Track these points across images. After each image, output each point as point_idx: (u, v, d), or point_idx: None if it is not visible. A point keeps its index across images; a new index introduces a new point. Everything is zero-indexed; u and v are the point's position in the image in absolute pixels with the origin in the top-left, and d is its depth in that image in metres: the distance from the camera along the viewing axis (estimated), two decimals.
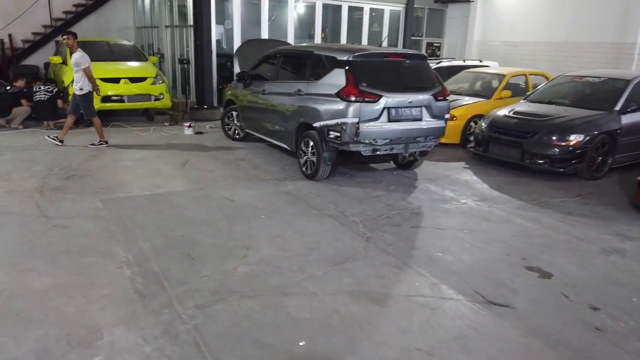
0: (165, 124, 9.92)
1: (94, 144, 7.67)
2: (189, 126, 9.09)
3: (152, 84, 9.73)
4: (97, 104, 9.08)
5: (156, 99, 9.79)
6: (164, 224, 4.62)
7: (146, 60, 10.60)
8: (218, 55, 11.53)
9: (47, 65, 12.06)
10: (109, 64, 9.96)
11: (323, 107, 5.95)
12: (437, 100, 6.11)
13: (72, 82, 7.59)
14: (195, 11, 10.76)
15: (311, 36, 13.56)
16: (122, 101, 9.40)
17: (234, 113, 8.51)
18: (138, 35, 14.66)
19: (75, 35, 7.50)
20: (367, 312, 3.27)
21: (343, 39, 13.70)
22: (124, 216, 4.75)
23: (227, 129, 8.71)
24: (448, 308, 3.35)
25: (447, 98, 6.33)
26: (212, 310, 3.18)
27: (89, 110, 7.58)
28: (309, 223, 4.77)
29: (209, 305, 3.24)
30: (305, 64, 6.58)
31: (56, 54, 10.93)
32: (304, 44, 11.01)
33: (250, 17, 12.59)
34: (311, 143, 6.16)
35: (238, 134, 8.57)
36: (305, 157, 6.33)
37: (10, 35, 12.65)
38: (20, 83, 9.37)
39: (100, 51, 10.47)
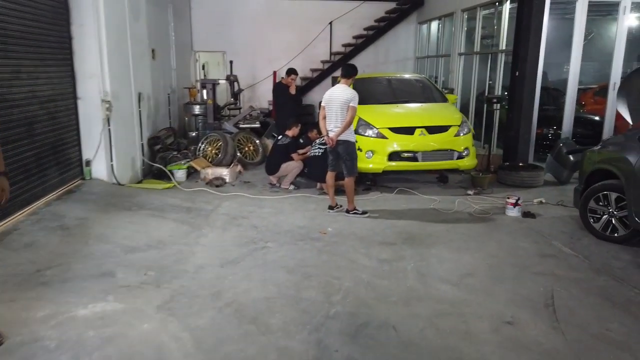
0: (469, 192, 6.81)
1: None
2: (515, 204, 5.80)
3: (455, 134, 6.81)
4: (382, 164, 6.67)
5: (459, 157, 6.80)
6: None
7: (445, 100, 7.78)
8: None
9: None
10: (397, 106, 7.51)
11: None
12: None
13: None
14: (519, 31, 7.54)
15: None
16: (414, 159, 6.67)
17: (612, 195, 4.87)
18: (417, 67, 12.33)
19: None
20: None
21: None
22: None
23: (592, 219, 5.09)
24: None
25: None
26: None
27: None
28: None
29: None
30: None
31: None
32: None
33: (560, 35, 8.97)
34: None
35: (615, 230, 4.88)
36: None
37: None
38: (293, 131, 7.30)
39: (381, 90, 8.19)
